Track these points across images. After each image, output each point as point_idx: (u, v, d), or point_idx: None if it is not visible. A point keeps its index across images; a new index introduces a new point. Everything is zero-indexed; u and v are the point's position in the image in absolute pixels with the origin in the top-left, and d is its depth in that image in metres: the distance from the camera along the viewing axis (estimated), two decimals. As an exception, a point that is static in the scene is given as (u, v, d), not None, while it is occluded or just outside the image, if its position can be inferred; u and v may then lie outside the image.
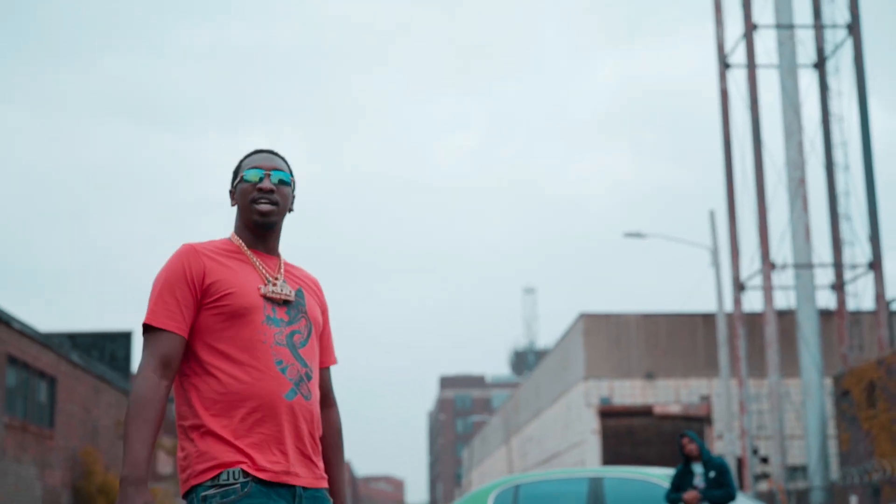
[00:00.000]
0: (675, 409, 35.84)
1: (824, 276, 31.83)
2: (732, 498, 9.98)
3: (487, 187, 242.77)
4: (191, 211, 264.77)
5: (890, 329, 31.01)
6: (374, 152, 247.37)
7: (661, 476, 11.12)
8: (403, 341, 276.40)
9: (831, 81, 32.04)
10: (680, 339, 36.44)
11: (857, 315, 33.48)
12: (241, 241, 3.53)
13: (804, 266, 29.90)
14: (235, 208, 3.60)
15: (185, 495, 3.33)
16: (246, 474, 3.25)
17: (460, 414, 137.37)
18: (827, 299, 33.72)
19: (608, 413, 36.16)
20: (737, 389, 32.02)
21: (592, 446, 35.69)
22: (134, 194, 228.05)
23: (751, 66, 30.84)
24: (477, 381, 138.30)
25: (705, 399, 35.73)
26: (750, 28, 30.96)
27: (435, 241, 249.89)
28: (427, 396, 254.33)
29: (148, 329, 3.33)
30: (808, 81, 32.29)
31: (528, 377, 54.11)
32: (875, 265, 30.46)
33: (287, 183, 3.55)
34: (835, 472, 31.17)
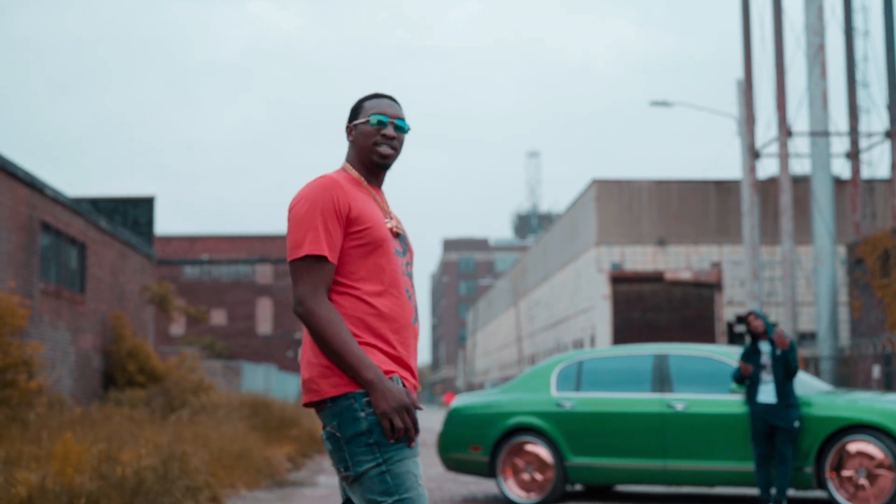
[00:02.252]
0: (685, 275, 36.17)
1: (840, 145, 31.86)
2: (794, 373, 10.24)
3: (493, 53, 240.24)
4: (199, 76, 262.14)
5: (904, 198, 31.08)
6: (381, 18, 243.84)
7: (728, 354, 11.14)
8: (407, 205, 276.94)
9: (854, -55, 31.49)
10: (692, 206, 36.56)
11: (871, 183, 33.56)
12: (359, 175, 3.70)
13: (820, 134, 29.83)
14: (350, 145, 3.75)
15: (331, 402, 3.44)
16: (403, 385, 3.49)
17: (463, 276, 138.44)
18: (841, 167, 33.77)
19: (619, 279, 36.49)
20: (749, 256, 32.25)
21: (603, 311, 36.12)
22: (143, 60, 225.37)
23: (773, -71, 30.28)
24: (480, 244, 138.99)
25: (716, 265, 36.04)
26: None
27: (440, 105, 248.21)
28: (430, 259, 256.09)
29: (310, 258, 3.46)
30: (830, -55, 31.70)
31: (537, 242, 54.41)
32: (892, 133, 30.39)
33: (406, 131, 3.73)
34: (844, 339, 31.65)
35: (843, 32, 31.64)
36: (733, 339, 34.81)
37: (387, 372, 3.43)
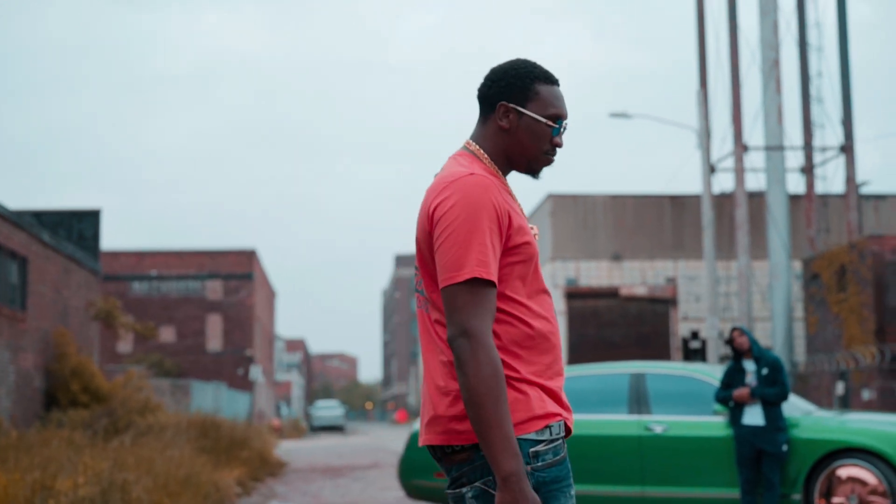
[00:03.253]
0: (641, 290, 35.94)
1: (795, 160, 31.75)
2: (785, 397, 9.59)
3: (448, 66, 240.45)
4: (154, 87, 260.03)
5: (859, 213, 31.07)
6: (336, 31, 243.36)
7: (708, 373, 10.46)
8: (360, 220, 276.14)
9: (809, -40, 31.48)
10: (647, 220, 36.36)
11: (826, 198, 33.51)
12: (500, 171, 3.01)
13: (775, 148, 29.71)
14: (495, 127, 3.01)
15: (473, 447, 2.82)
16: (564, 428, 2.92)
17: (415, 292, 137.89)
18: (796, 182, 33.81)
19: (574, 294, 36.19)
20: (701, 271, 32.04)
21: (559, 328, 35.76)
22: (93, 70, 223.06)
23: (729, -58, 30.16)
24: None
25: (671, 281, 35.84)
26: None
27: (393, 119, 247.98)
28: (383, 275, 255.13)
29: (477, 282, 2.75)
30: (785, -40, 31.66)
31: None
32: (846, 148, 30.35)
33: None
34: (800, 355, 31.50)
35: (798, 47, 31.59)
36: (688, 355, 34.60)
37: (551, 415, 2.84)
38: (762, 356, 9.78)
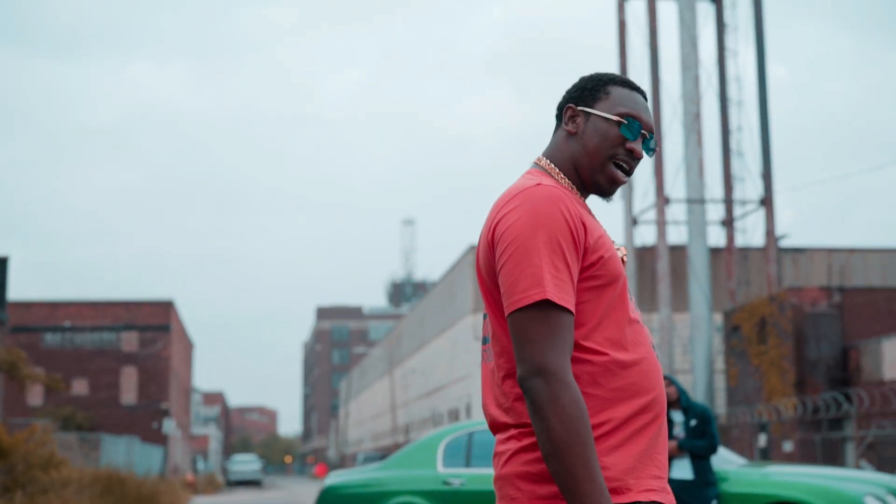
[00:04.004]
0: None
1: (716, 213, 31.89)
2: (714, 450, 9.17)
3: (374, 122, 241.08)
4: (75, 138, 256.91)
5: (778, 265, 31.22)
6: (261, 85, 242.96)
7: None
8: (283, 272, 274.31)
9: (728, 16, 31.84)
10: (569, 272, 36.23)
11: (746, 251, 33.66)
12: (573, 187, 2.58)
13: (696, 201, 29.80)
14: (563, 134, 2.62)
15: None
16: None
17: (337, 345, 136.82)
18: (717, 235, 33.92)
19: (496, 346, 35.84)
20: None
21: (479, 380, 35.36)
22: (13, 122, 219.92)
23: (650, -4, 30.40)
24: (354, 313, 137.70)
25: (593, 333, 35.67)
26: (650, -42, 30.46)
27: (319, 174, 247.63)
28: (303, 327, 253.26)
29: (549, 306, 2.33)
30: (705, 15, 31.96)
31: (413, 309, 53.62)
32: (766, 202, 30.53)
33: (651, 153, 2.63)
34: (720, 407, 31.42)
35: (719, 102, 31.82)
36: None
37: (649, 491, 2.38)
38: (691, 407, 9.33)
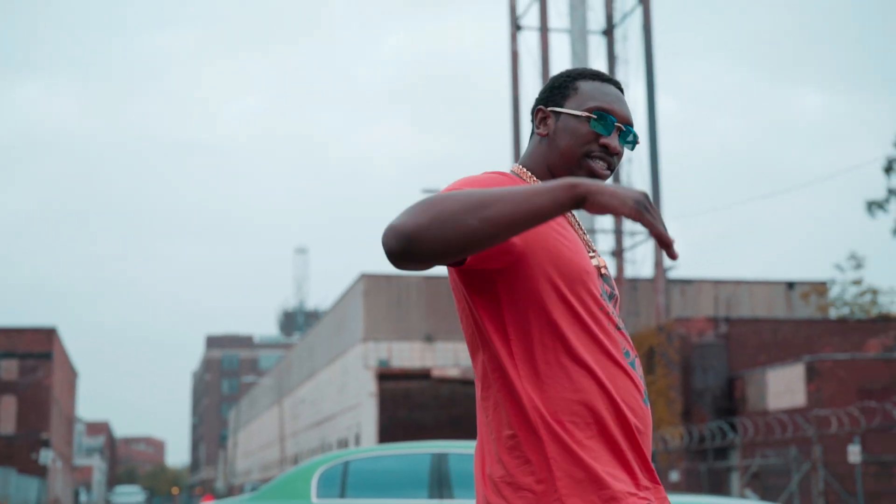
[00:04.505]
0: (453, 372, 35.56)
1: (606, 243, 32.09)
2: None
3: (270, 149, 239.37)
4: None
5: (667, 296, 31.53)
6: (156, 108, 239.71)
7: None
8: (173, 300, 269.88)
9: (619, 49, 32.21)
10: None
11: (635, 282, 33.94)
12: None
13: (587, 231, 29.96)
14: (536, 138, 2.46)
15: None
16: None
17: (227, 374, 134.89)
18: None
19: (386, 375, 35.55)
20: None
21: (369, 409, 35.01)
22: None
23: (543, 28, 30.59)
24: (245, 342, 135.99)
25: (484, 363, 35.62)
26: (543, -10, 30.69)
27: (213, 201, 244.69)
28: (193, 356, 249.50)
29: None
30: (597, 48, 32.31)
31: (303, 337, 53.05)
32: (655, 233, 30.86)
33: (633, 146, 2.46)
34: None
35: (609, 133, 32.13)
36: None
37: (631, 495, 2.20)
38: None
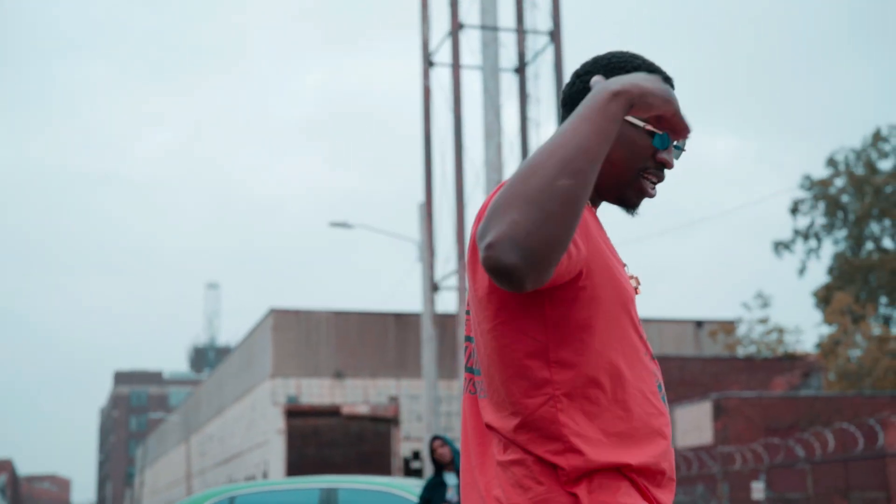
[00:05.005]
0: (362, 409, 35.21)
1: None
2: None
3: (183, 184, 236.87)
4: None
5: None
6: (67, 140, 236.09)
7: (407, 487, 9.57)
8: (81, 336, 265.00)
9: (531, 87, 32.35)
10: (371, 338, 35.86)
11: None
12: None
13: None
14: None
15: None
16: None
17: (135, 411, 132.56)
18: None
19: (295, 412, 35.08)
20: (424, 390, 31.68)
21: (277, 446, 34.50)
22: None
23: (455, 65, 30.59)
24: (154, 378, 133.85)
25: (393, 400, 35.29)
26: (456, 27, 30.70)
27: (124, 236, 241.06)
28: (101, 393, 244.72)
29: None
30: (509, 85, 32.42)
31: (212, 373, 52.29)
32: (565, 270, 30.93)
33: (679, 157, 2.26)
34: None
35: (520, 170, 32.18)
36: (409, 475, 33.96)
37: None
38: None
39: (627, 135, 2.14)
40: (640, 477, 2.06)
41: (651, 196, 2.22)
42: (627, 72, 2.17)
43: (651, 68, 2.22)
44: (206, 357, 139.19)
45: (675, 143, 2.20)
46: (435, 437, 9.07)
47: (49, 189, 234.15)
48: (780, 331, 33.42)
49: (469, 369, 2.20)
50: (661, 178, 2.21)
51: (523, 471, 2.02)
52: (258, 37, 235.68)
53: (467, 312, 2.19)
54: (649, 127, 2.13)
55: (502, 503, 2.03)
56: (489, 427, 2.09)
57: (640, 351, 2.13)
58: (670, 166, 2.20)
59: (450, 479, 8.96)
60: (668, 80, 2.22)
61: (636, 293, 2.20)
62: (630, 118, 2.12)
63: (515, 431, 2.03)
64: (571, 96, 2.23)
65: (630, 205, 2.23)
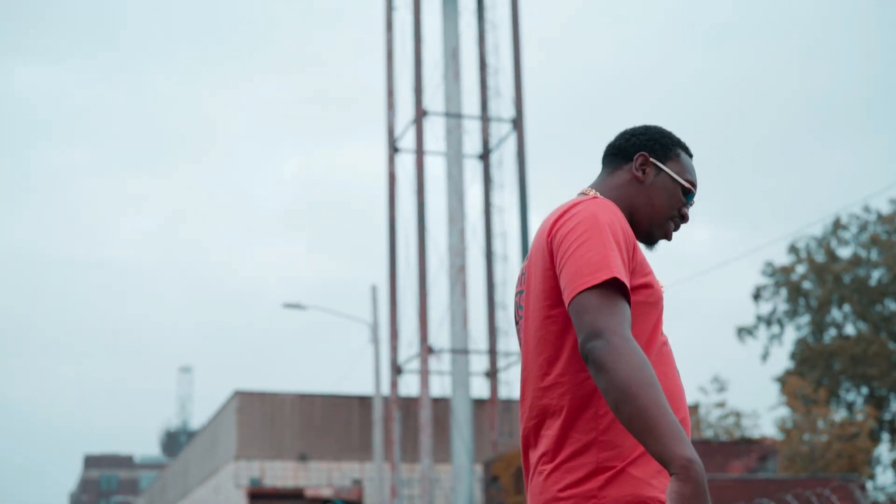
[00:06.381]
0: (326, 492, 35.16)
1: (480, 363, 32.35)
2: None
3: (162, 269, 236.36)
4: None
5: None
6: (48, 227, 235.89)
7: None
8: (50, 419, 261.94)
9: (495, 173, 32.96)
10: (335, 420, 35.97)
11: (509, 403, 34.19)
12: None
13: (460, 352, 30.24)
14: (627, 177, 2.81)
15: None
16: None
17: (104, 495, 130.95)
18: (481, 386, 34.40)
19: (258, 495, 35.00)
20: (389, 473, 31.77)
21: (241, 530, 34.37)
22: None
23: (419, 151, 31.17)
24: (125, 462, 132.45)
25: (357, 482, 35.30)
26: (420, 114, 31.35)
27: (98, 320, 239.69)
28: (70, 477, 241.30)
29: (613, 284, 2.43)
30: (473, 171, 33.03)
31: (178, 456, 52.09)
32: (527, 354, 31.23)
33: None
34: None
35: (484, 256, 32.65)
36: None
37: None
38: None
39: (669, 185, 2.77)
40: None
41: (669, 239, 2.82)
42: (671, 147, 2.84)
43: (688, 150, 2.88)
44: (178, 441, 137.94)
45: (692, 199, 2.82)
46: (326, 501, 9.40)
47: (24, 271, 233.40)
48: (738, 415, 33.78)
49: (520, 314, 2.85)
50: (678, 227, 2.84)
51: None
52: (240, 126, 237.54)
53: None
54: (688, 185, 2.78)
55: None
56: None
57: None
58: (687, 220, 2.81)
59: None
60: (689, 152, 2.87)
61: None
62: (673, 174, 2.78)
63: None
64: (624, 148, 2.86)
65: (653, 242, 2.82)
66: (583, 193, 2.81)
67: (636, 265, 2.59)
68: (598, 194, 2.77)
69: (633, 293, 2.56)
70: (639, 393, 2.27)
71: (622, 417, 2.30)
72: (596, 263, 2.44)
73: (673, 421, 2.27)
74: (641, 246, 2.80)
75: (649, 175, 2.77)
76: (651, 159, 2.78)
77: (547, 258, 2.62)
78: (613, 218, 2.57)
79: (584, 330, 2.39)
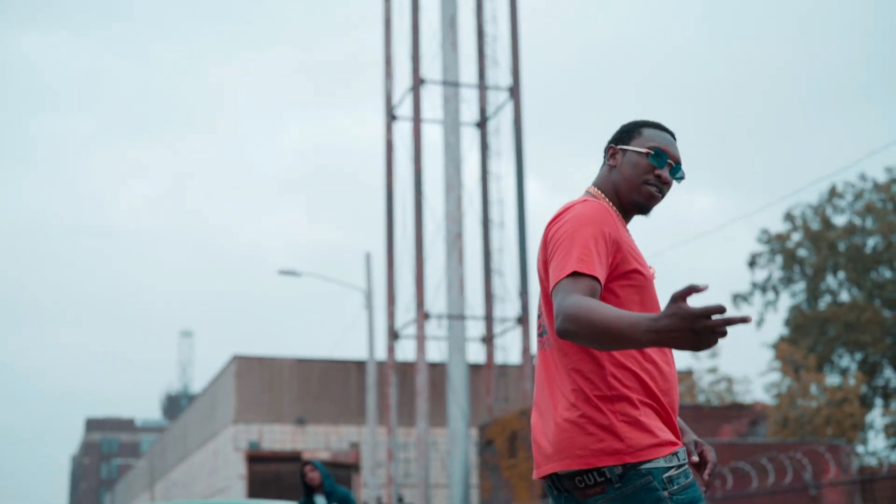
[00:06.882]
0: (324, 455, 35.62)
1: (476, 329, 32.68)
2: None
3: (162, 235, 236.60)
4: None
5: (532, 382, 32.12)
6: (48, 192, 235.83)
7: None
8: (54, 382, 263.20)
9: (492, 141, 33.14)
10: (333, 385, 36.35)
11: (504, 368, 34.56)
12: (617, 210, 3.26)
13: (457, 318, 30.53)
14: (607, 168, 3.34)
15: (617, 479, 2.92)
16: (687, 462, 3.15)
17: (106, 458, 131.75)
18: (477, 351, 34.67)
19: (256, 458, 35.47)
20: (385, 437, 32.17)
21: (238, 493, 34.82)
22: None
23: (416, 119, 31.35)
24: (126, 425, 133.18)
25: (355, 446, 35.74)
26: (417, 82, 31.50)
27: (100, 287, 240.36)
28: (73, 439, 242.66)
29: (576, 274, 2.92)
30: (470, 139, 33.24)
31: (177, 420, 52.54)
32: (523, 320, 31.52)
33: (680, 180, 3.32)
34: (475, 521, 31.86)
35: (481, 223, 32.90)
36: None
37: (671, 444, 2.99)
38: (333, 491, 9.72)
39: (633, 159, 3.24)
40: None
41: (656, 198, 3.24)
42: (633, 129, 3.34)
43: (656, 125, 3.34)
44: (178, 405, 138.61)
45: (671, 164, 3.25)
46: (306, 463, 9.78)
47: (28, 239, 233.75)
48: (729, 381, 34.14)
49: (540, 334, 3.26)
50: (661, 190, 3.24)
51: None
52: (242, 92, 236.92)
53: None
54: (647, 150, 3.23)
55: (567, 418, 3.03)
56: None
57: None
58: (666, 180, 3.23)
59: (319, 500, 9.68)
60: (672, 134, 3.34)
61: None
62: (634, 147, 3.26)
63: None
64: (604, 150, 3.39)
65: (642, 208, 3.25)
66: (586, 191, 3.36)
67: (623, 256, 3.09)
68: (597, 190, 3.31)
69: (625, 278, 3.09)
70: (595, 323, 2.71)
71: (606, 347, 2.77)
72: (565, 261, 2.96)
73: (630, 318, 2.66)
74: (634, 236, 3.29)
75: (618, 159, 3.29)
76: (618, 147, 3.31)
77: (544, 254, 3.16)
78: (597, 218, 3.06)
79: (558, 316, 2.85)
